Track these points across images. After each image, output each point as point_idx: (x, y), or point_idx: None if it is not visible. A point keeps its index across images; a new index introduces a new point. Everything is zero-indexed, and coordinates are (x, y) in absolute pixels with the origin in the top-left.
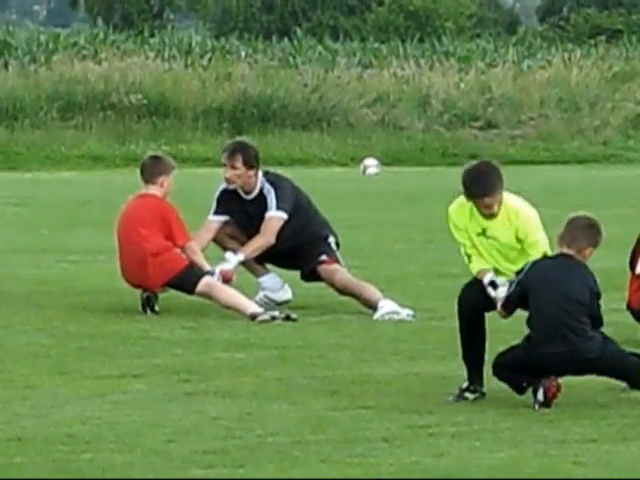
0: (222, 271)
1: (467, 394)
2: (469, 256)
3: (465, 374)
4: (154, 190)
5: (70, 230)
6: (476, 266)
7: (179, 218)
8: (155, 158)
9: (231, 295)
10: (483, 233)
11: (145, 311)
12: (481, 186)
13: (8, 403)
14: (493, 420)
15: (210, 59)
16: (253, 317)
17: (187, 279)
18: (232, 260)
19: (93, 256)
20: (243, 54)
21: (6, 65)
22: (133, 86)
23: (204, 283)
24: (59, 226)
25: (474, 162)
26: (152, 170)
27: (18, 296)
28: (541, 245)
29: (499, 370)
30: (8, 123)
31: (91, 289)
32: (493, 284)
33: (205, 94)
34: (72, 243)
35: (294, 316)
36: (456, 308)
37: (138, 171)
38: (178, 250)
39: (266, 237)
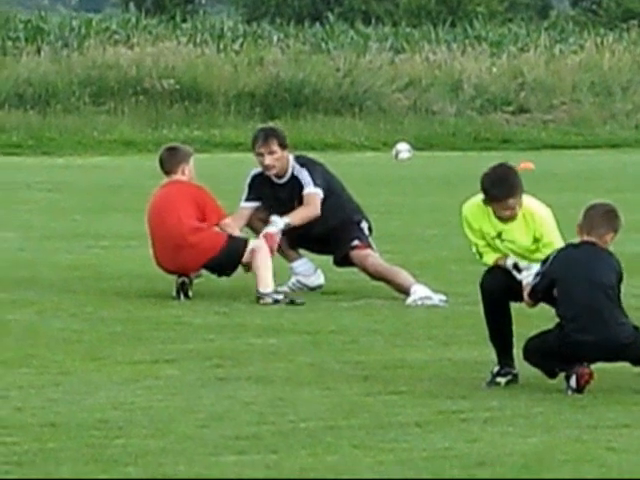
0: (267, 234)
1: (499, 379)
2: (480, 253)
3: (495, 357)
4: (178, 177)
5: (102, 215)
6: (490, 257)
7: (211, 196)
8: (172, 149)
9: (264, 263)
10: (498, 236)
11: (179, 296)
12: (504, 188)
13: (41, 389)
14: (526, 405)
15: (242, 44)
16: (258, 297)
17: (231, 253)
18: (279, 222)
19: (125, 241)
20: (275, 39)
21: (39, 50)
22: (165, 71)
23: (249, 251)
24: (91, 211)
25: (491, 166)
26: (171, 161)
27: (51, 281)
28: (556, 246)
29: (529, 355)
30: (41, 108)
31: (123, 274)
32: (516, 267)
33: (237, 79)
34: (104, 228)
35: (300, 300)
36: (479, 293)
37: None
38: (215, 228)
39: (311, 208)
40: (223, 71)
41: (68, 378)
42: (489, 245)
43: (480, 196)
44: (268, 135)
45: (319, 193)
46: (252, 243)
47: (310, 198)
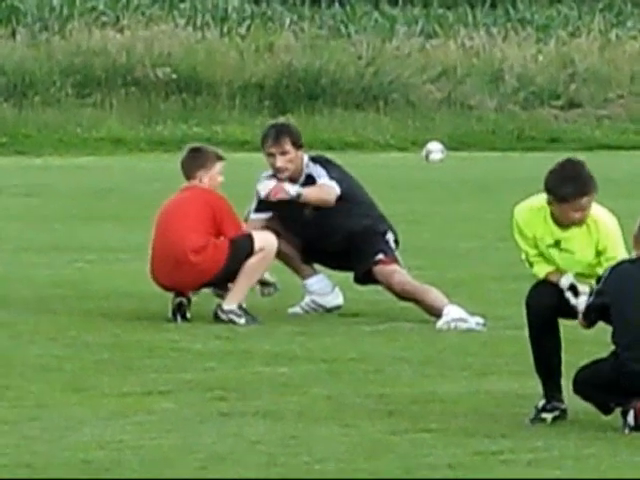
0: (277, 184)
1: (544, 414)
2: (531, 263)
3: (540, 389)
4: (196, 184)
5: (87, 224)
6: (542, 269)
7: (230, 208)
8: (194, 151)
9: (252, 273)
10: (556, 245)
11: (175, 318)
12: (578, 185)
13: (16, 424)
14: (575, 445)
15: (249, 27)
16: (216, 312)
17: (235, 263)
18: (290, 189)
19: (114, 254)
20: (287, 21)
21: (14, 33)
22: (160, 58)
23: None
24: (75, 220)
25: (558, 162)
26: (189, 165)
27: (27, 301)
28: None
29: (581, 387)
30: (16, 101)
31: (111, 293)
32: (574, 289)
33: (243, 68)
34: (89, 239)
35: (259, 320)
36: (524, 312)
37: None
38: (220, 243)
39: (326, 193)
40: (227, 58)
41: (47, 412)
42: (542, 255)
43: (536, 199)
44: (280, 132)
45: (334, 186)
46: (258, 242)
47: (324, 186)
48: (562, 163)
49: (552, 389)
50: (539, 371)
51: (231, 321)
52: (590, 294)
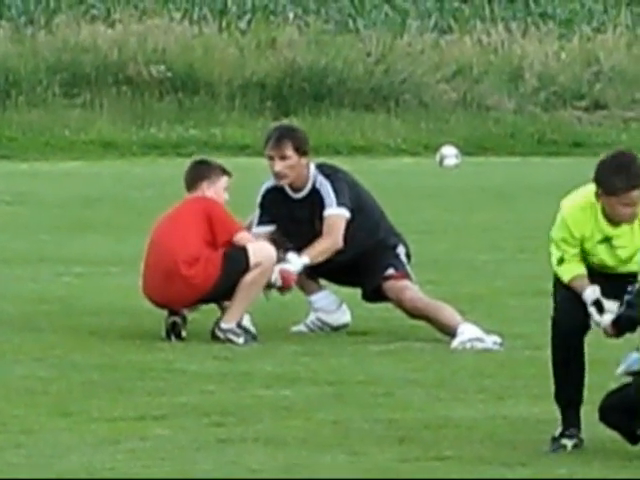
0: (282, 270)
1: (564, 440)
2: (561, 259)
3: (559, 416)
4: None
5: (75, 235)
6: (571, 270)
7: (225, 211)
8: (197, 163)
9: (250, 290)
10: (606, 241)
11: (170, 337)
12: (629, 176)
13: None
14: (600, 474)
15: (250, 21)
16: (214, 330)
17: (229, 279)
18: (295, 262)
19: (104, 268)
20: (291, 15)
21: None
22: (154, 55)
23: (252, 274)
24: (62, 230)
25: (609, 153)
26: (192, 176)
27: (11, 317)
28: None
29: (607, 414)
30: None
31: (101, 309)
32: (599, 305)
33: (243, 65)
34: (78, 251)
35: (259, 338)
36: (550, 330)
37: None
38: (213, 257)
39: (332, 238)
40: (226, 55)
41: (32, 438)
42: (578, 255)
43: (584, 195)
44: (282, 136)
45: (344, 215)
46: (254, 256)
47: (332, 223)
48: (613, 154)
49: (571, 416)
50: (559, 398)
51: (229, 340)
52: (621, 304)
